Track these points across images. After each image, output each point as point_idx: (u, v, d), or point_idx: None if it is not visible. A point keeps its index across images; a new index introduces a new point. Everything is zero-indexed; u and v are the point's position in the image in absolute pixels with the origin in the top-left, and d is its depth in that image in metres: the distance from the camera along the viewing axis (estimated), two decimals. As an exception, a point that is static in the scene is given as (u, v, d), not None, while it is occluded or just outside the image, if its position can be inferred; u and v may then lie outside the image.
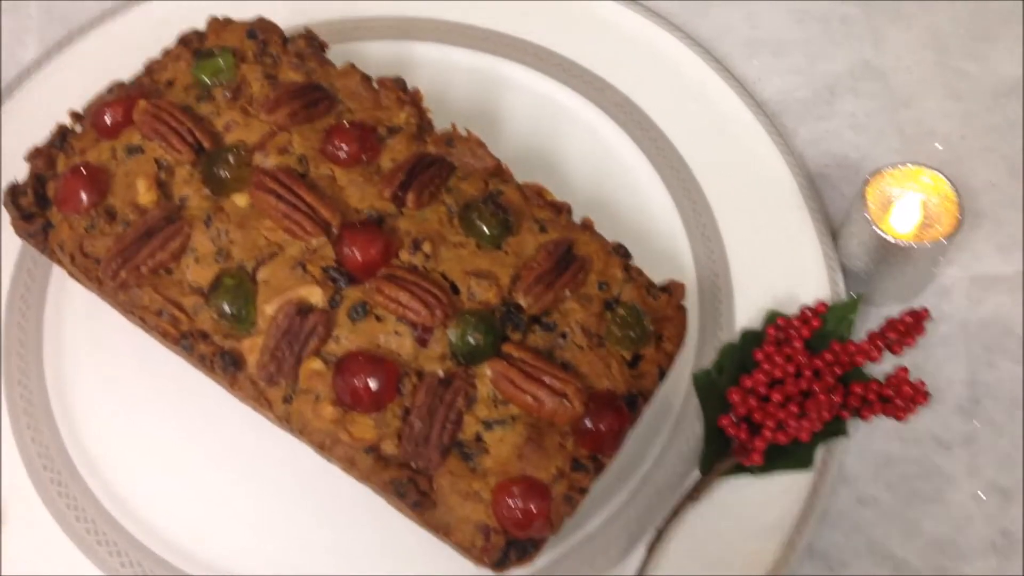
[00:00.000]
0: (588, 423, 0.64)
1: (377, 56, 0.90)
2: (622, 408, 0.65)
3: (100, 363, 0.76)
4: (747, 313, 0.79)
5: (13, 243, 0.79)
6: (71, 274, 0.74)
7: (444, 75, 0.89)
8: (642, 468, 0.73)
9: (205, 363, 0.66)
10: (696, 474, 0.73)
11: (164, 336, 0.67)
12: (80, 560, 0.68)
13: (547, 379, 0.64)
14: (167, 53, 0.77)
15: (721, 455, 0.73)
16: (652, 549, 0.68)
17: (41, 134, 0.81)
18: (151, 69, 0.77)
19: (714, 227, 0.82)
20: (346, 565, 0.70)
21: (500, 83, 0.89)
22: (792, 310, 0.78)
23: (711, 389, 0.76)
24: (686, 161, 0.85)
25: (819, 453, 0.72)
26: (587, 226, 0.73)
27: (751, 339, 0.77)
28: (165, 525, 0.70)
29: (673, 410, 0.75)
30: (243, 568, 0.70)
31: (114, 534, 0.70)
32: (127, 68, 0.79)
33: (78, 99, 0.79)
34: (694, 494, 0.70)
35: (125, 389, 0.75)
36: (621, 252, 0.71)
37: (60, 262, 0.74)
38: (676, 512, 0.70)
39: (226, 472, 0.73)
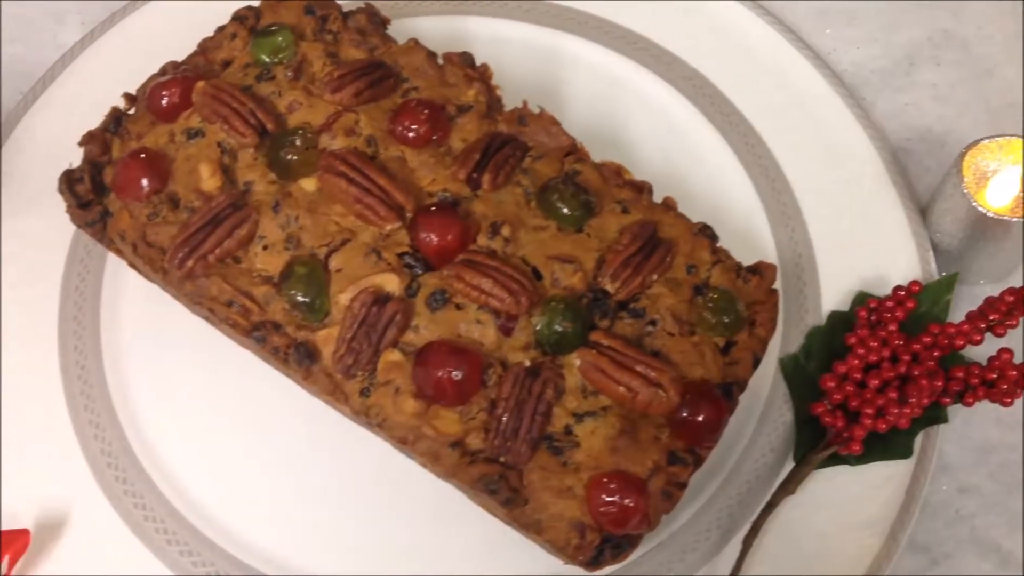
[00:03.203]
0: (685, 414, 0.61)
1: (429, 32, 0.86)
2: (719, 397, 0.62)
3: (161, 355, 0.73)
4: (833, 295, 0.75)
5: (64, 234, 0.76)
6: (131, 264, 0.71)
7: (500, 51, 0.85)
8: (731, 459, 0.70)
9: (278, 355, 0.63)
10: (788, 465, 0.69)
11: (234, 328, 0.64)
12: (150, 560, 0.66)
13: (640, 368, 0.61)
14: (221, 31, 0.74)
15: (815, 444, 0.69)
16: (747, 543, 0.65)
17: (87, 118, 0.77)
18: (205, 48, 0.73)
19: (795, 205, 0.78)
20: (422, 563, 0.67)
21: (560, 58, 0.86)
22: (881, 291, 0.74)
23: (799, 375, 0.72)
24: (761, 137, 0.81)
25: (917, 441, 0.69)
26: (670, 206, 0.69)
27: (840, 322, 0.74)
28: (236, 523, 0.67)
29: (760, 398, 0.72)
30: (315, 566, 0.67)
31: (184, 532, 0.67)
32: (172, 47, 0.75)
33: (124, 81, 0.75)
34: (789, 486, 0.67)
35: (188, 382, 0.72)
36: (707, 233, 0.68)
37: (119, 252, 0.70)
38: (771, 505, 0.66)
39: (295, 466, 0.70)
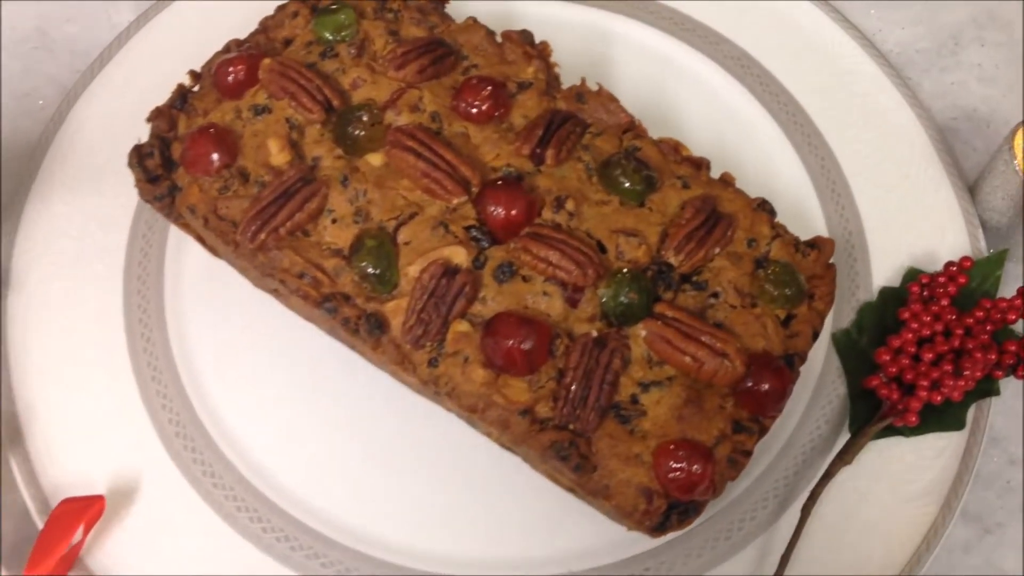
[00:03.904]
0: (750, 384, 0.62)
1: (478, 13, 0.87)
2: (783, 368, 0.63)
3: (225, 328, 0.74)
4: (883, 271, 0.76)
5: (126, 210, 0.78)
6: (198, 238, 0.72)
7: (548, 32, 0.86)
8: (787, 431, 0.71)
9: (348, 326, 0.64)
10: (842, 436, 0.71)
11: (305, 299, 0.65)
12: (220, 525, 0.67)
13: (706, 338, 0.62)
14: (282, 9, 0.75)
15: (869, 416, 0.70)
16: (806, 511, 0.66)
17: (144, 96, 0.78)
18: (266, 27, 0.74)
19: (844, 184, 0.80)
20: (475, 529, 0.68)
21: (608, 39, 0.87)
22: (931, 268, 0.75)
23: (852, 349, 0.73)
24: (810, 116, 0.82)
25: (969, 413, 0.70)
26: (728, 182, 0.70)
27: (891, 298, 0.75)
28: (301, 489, 0.69)
29: (814, 372, 0.73)
30: (372, 528, 0.68)
31: (251, 498, 0.68)
32: (225, 27, 0.76)
33: (177, 60, 0.76)
34: (846, 456, 0.68)
35: (251, 353, 0.73)
36: (766, 208, 0.69)
37: (186, 226, 0.72)
38: (829, 474, 0.67)
39: (354, 434, 0.71)
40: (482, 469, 0.70)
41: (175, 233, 0.76)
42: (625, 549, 0.67)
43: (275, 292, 0.71)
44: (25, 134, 0.81)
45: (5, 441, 0.68)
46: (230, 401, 0.71)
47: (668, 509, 0.61)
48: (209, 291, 0.75)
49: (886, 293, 0.75)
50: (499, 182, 0.66)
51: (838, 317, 0.75)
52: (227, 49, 0.73)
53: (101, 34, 0.87)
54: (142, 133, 0.71)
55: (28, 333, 0.72)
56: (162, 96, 0.73)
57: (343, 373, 0.72)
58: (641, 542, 0.67)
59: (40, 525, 0.66)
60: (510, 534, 0.68)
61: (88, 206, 0.78)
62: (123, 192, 0.77)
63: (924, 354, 0.70)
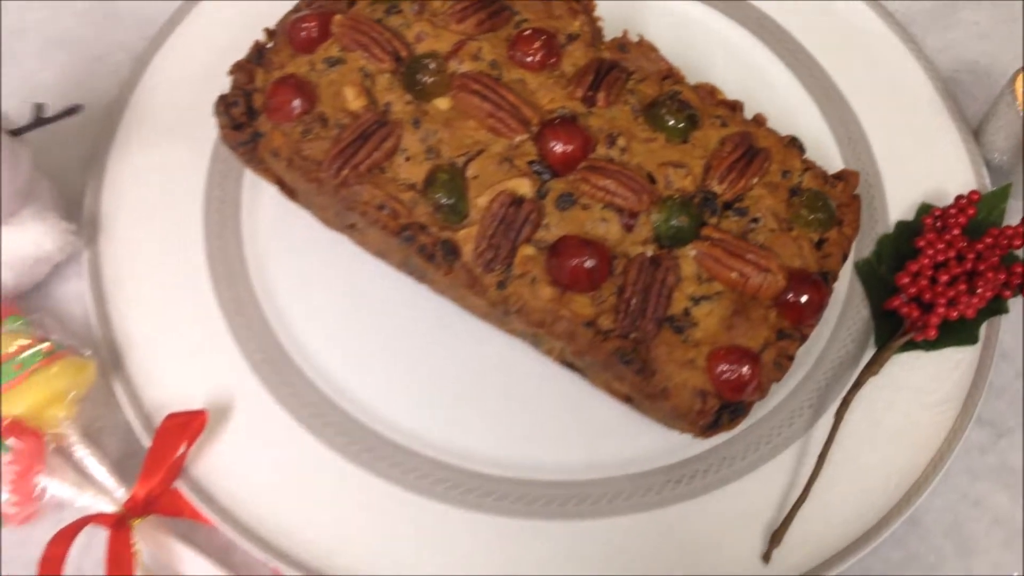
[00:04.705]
0: (790, 296, 0.69)
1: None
2: (819, 282, 0.70)
3: (299, 263, 0.80)
4: (898, 207, 0.84)
5: (201, 161, 0.83)
6: (279, 180, 0.78)
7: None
8: (818, 348, 0.78)
9: (424, 253, 0.71)
10: (867, 353, 0.78)
11: (384, 229, 0.71)
12: (311, 440, 0.73)
13: (751, 256, 0.69)
14: (344, -27, 0.81)
15: (892, 332, 0.77)
16: (839, 415, 0.73)
17: (209, 58, 0.84)
18: (330, -11, 0.81)
19: (860, 132, 0.87)
20: (532, 441, 0.75)
21: (632, 2, 0.93)
22: (941, 203, 0.83)
23: (873, 276, 0.81)
24: (827, 71, 0.90)
25: (982, 330, 0.77)
26: (760, 122, 0.77)
27: (906, 230, 0.82)
28: (381, 407, 0.75)
29: (840, 297, 0.80)
30: (452, 437, 0.74)
31: (335, 415, 0.74)
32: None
33: (239, 28, 0.82)
34: (873, 367, 0.75)
35: (325, 285, 0.79)
36: (797, 144, 0.76)
37: (266, 171, 0.78)
38: (858, 384, 0.74)
39: (422, 355, 0.77)
40: (543, 385, 0.76)
41: (249, 180, 0.82)
42: (678, 453, 0.74)
43: (350, 228, 0.77)
44: (101, 95, 0.87)
45: (108, 367, 0.74)
46: (310, 329, 0.77)
47: (720, 409, 0.68)
48: (283, 232, 0.81)
49: (902, 226, 0.82)
50: (557, 121, 0.72)
51: (859, 249, 0.82)
52: (297, 8, 0.80)
53: (161, 5, 0.92)
54: (209, 94, 0.76)
55: (120, 271, 0.78)
56: (226, 59, 0.78)
57: (411, 303, 0.78)
58: (692, 446, 0.74)
59: (144, 442, 0.71)
60: (570, 441, 0.74)
61: (165, 159, 0.83)
62: (196, 146, 0.83)
63: (940, 276, 0.77)
